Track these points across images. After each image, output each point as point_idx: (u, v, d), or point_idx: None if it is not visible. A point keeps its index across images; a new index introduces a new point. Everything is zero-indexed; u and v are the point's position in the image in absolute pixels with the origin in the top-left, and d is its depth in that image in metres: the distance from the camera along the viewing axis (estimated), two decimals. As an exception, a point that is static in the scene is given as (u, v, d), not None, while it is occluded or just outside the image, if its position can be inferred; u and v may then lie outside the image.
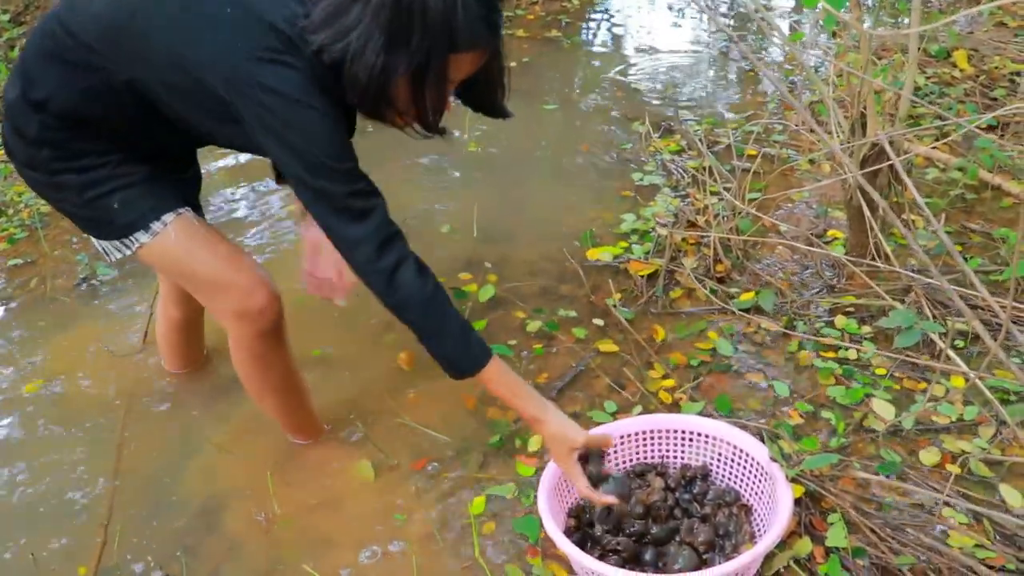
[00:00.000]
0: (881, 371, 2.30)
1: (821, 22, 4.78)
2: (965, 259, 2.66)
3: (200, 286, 2.01)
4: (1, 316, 2.95)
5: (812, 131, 3.20)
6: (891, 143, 2.44)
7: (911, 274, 2.12)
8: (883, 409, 2.15)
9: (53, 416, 2.46)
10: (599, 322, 2.60)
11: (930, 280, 1.98)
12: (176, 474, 2.23)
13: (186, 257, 1.95)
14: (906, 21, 3.91)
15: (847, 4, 2.06)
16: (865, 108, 2.44)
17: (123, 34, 1.68)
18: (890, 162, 2.17)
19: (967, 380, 2.15)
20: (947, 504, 1.88)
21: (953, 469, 1.98)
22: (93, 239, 1.98)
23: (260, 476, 2.17)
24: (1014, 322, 2.34)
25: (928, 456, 2.04)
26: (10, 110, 1.83)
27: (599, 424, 2.02)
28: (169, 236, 1.91)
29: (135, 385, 2.54)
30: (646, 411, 2.22)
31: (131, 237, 1.91)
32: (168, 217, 1.91)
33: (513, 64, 4.73)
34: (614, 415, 2.23)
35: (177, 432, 2.37)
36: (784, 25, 5.13)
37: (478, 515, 2.00)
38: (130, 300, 2.95)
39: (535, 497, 1.80)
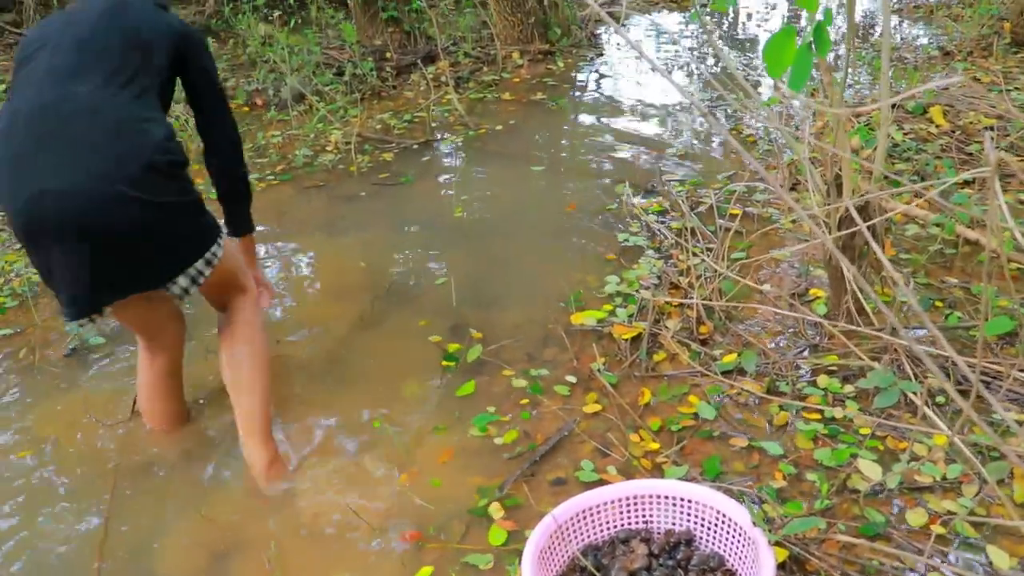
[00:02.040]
0: (865, 430, 2.31)
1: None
2: (945, 315, 2.69)
3: (239, 276, 2.41)
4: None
5: (785, 199, 3.25)
6: (867, 204, 2.48)
7: (885, 336, 2.14)
8: (869, 469, 2.16)
9: (39, 488, 2.45)
10: (584, 386, 2.62)
11: (903, 341, 2.00)
12: (163, 548, 2.22)
13: (233, 250, 2.43)
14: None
15: (813, 73, 2.11)
16: (841, 169, 2.48)
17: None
18: (866, 223, 2.21)
19: (948, 439, 2.17)
20: (933, 568, 1.88)
21: (939, 530, 1.99)
22: (182, 277, 2.21)
23: (254, 547, 2.16)
24: (994, 377, 2.36)
25: (914, 517, 2.04)
26: (155, 151, 2.05)
27: (586, 487, 2.02)
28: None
29: (123, 455, 2.54)
30: (631, 475, 2.23)
31: (217, 241, 2.26)
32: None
33: (499, 127, 4.82)
34: (598, 481, 2.23)
35: (165, 503, 2.36)
36: (767, 83, 5.22)
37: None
38: (119, 369, 2.96)
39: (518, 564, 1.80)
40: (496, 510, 2.19)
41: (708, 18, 6.95)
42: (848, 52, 2.47)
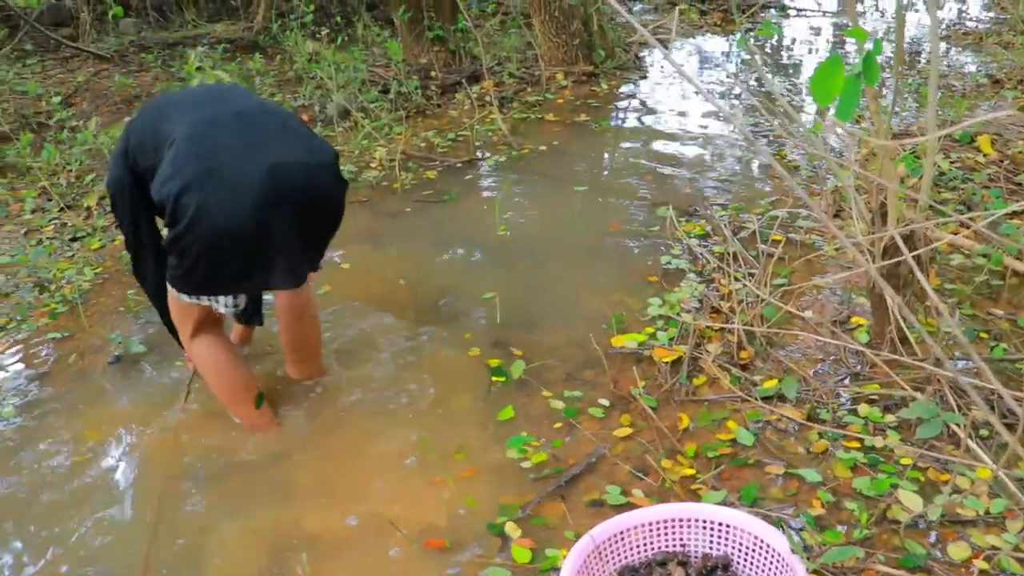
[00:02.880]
0: (906, 461, 2.30)
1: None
2: (991, 347, 2.66)
3: None
4: (38, 390, 3.02)
5: (829, 227, 3.23)
6: (912, 233, 2.47)
7: (929, 367, 2.13)
8: (909, 500, 2.14)
9: (87, 491, 2.51)
10: (621, 409, 2.62)
11: (947, 372, 1.99)
12: (207, 552, 2.26)
13: None
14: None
15: (861, 102, 2.11)
16: (886, 197, 2.48)
17: None
18: (911, 254, 2.20)
19: (993, 473, 2.14)
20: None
21: (982, 565, 1.96)
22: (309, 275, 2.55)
23: (293, 557, 2.19)
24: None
25: (957, 551, 2.02)
26: (333, 168, 2.44)
27: (622, 510, 2.03)
28: None
29: (168, 465, 2.59)
30: (668, 499, 2.23)
31: None
32: None
33: (542, 147, 4.85)
34: (627, 504, 2.23)
35: (210, 514, 2.40)
36: (810, 111, 5.20)
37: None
38: (164, 377, 3.02)
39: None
40: (513, 529, 2.21)
41: (754, 43, 6.95)
42: (896, 80, 2.47)
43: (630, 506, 2.21)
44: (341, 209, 2.52)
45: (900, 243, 1.63)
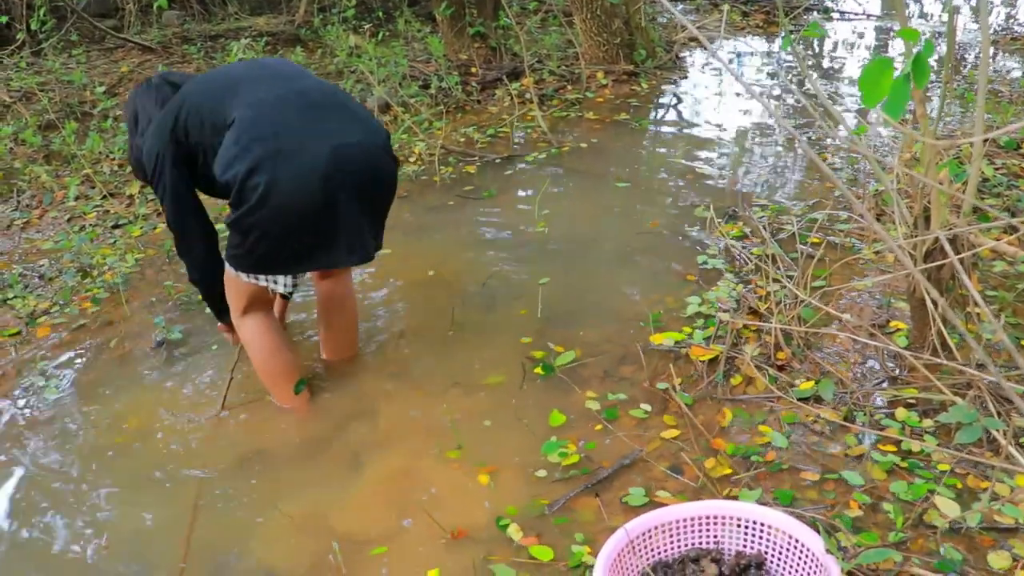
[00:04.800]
0: (944, 466, 2.28)
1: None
2: (1032, 355, 2.64)
3: None
4: (81, 373, 3.07)
5: (873, 228, 3.21)
6: (955, 238, 2.45)
7: (971, 371, 2.11)
8: (947, 506, 2.13)
9: (126, 479, 2.56)
10: (659, 406, 2.63)
11: (990, 377, 1.97)
12: (245, 538, 2.29)
13: None
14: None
15: (909, 104, 2.10)
16: (929, 201, 2.46)
17: None
18: (956, 257, 2.18)
19: (1031, 479, 2.13)
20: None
21: None
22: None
23: (325, 544, 2.22)
24: (1081, 421, 2.30)
25: (997, 559, 2.00)
26: (388, 148, 2.52)
27: (658, 505, 2.04)
28: None
29: (207, 450, 2.63)
30: (703, 497, 2.23)
31: None
32: None
33: (582, 145, 4.85)
34: (661, 503, 2.24)
35: (247, 499, 2.44)
36: (850, 114, 5.17)
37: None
38: (204, 362, 3.07)
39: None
40: (540, 524, 2.23)
41: (800, 46, 6.91)
42: (944, 84, 2.45)
43: (654, 505, 2.21)
44: (395, 188, 2.60)
45: (947, 246, 1.62)
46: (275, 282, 2.54)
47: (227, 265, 2.58)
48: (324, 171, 2.33)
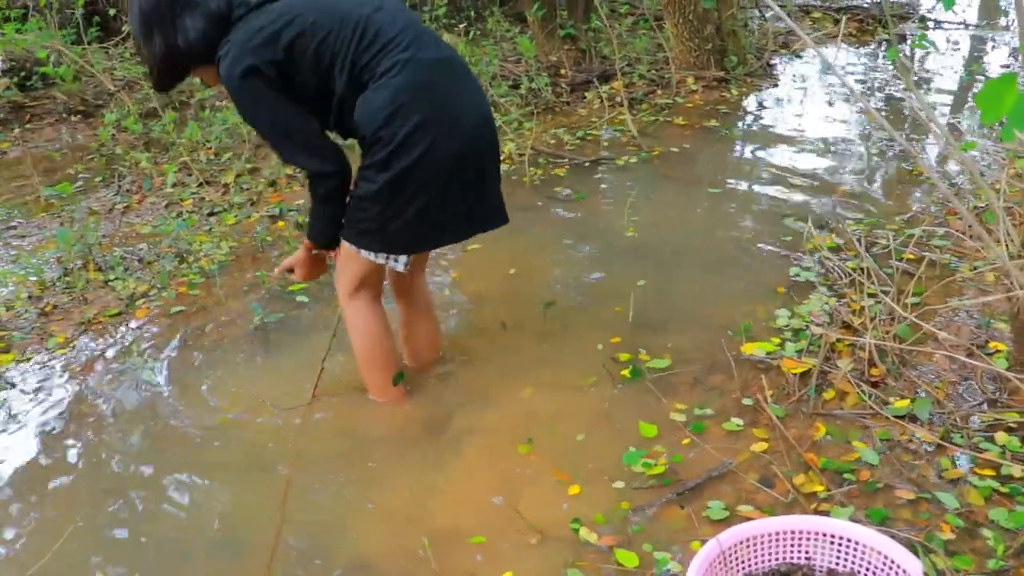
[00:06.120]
0: (1047, 494, 2.23)
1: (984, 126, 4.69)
2: None
3: None
4: (176, 357, 3.17)
5: (979, 239, 3.14)
6: (1065, 260, 2.39)
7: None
8: (1048, 535, 2.08)
9: (217, 467, 2.62)
10: (749, 418, 2.61)
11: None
12: (333, 536, 2.33)
13: None
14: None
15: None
16: (1037, 222, 2.40)
17: None
18: (1064, 280, 2.13)
19: None
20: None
21: None
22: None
23: (415, 539, 2.26)
24: None
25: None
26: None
27: (747, 519, 2.03)
28: None
29: (300, 440, 2.69)
30: (793, 512, 2.21)
31: None
32: None
33: (673, 150, 4.83)
34: (751, 515, 2.23)
35: (337, 492, 2.49)
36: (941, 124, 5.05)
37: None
38: (298, 350, 3.13)
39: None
40: (629, 529, 2.23)
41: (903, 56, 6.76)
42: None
43: (736, 520, 2.20)
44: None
45: (1065, 269, 1.59)
46: (396, 260, 2.49)
47: (345, 244, 2.52)
48: (476, 135, 2.46)
